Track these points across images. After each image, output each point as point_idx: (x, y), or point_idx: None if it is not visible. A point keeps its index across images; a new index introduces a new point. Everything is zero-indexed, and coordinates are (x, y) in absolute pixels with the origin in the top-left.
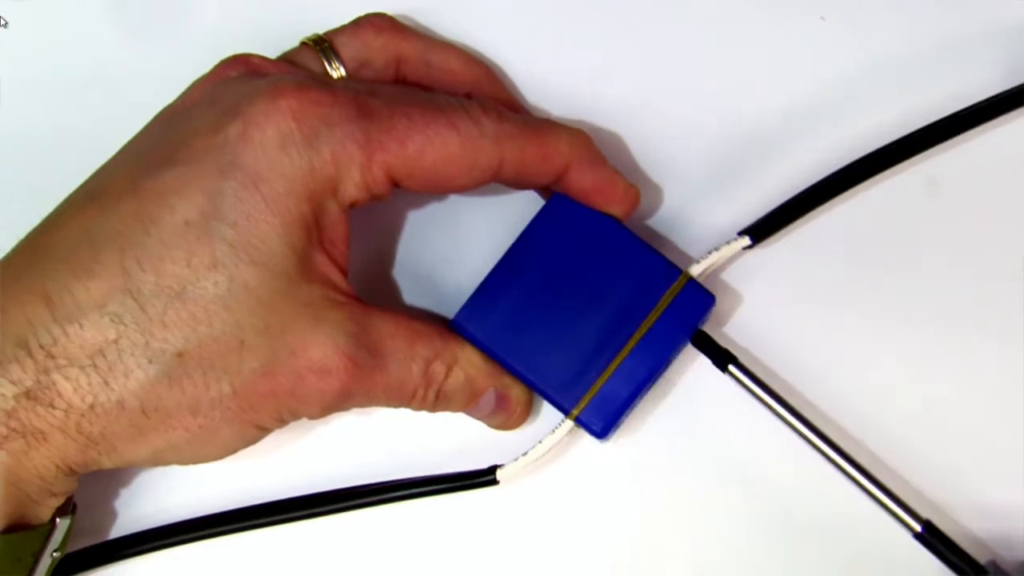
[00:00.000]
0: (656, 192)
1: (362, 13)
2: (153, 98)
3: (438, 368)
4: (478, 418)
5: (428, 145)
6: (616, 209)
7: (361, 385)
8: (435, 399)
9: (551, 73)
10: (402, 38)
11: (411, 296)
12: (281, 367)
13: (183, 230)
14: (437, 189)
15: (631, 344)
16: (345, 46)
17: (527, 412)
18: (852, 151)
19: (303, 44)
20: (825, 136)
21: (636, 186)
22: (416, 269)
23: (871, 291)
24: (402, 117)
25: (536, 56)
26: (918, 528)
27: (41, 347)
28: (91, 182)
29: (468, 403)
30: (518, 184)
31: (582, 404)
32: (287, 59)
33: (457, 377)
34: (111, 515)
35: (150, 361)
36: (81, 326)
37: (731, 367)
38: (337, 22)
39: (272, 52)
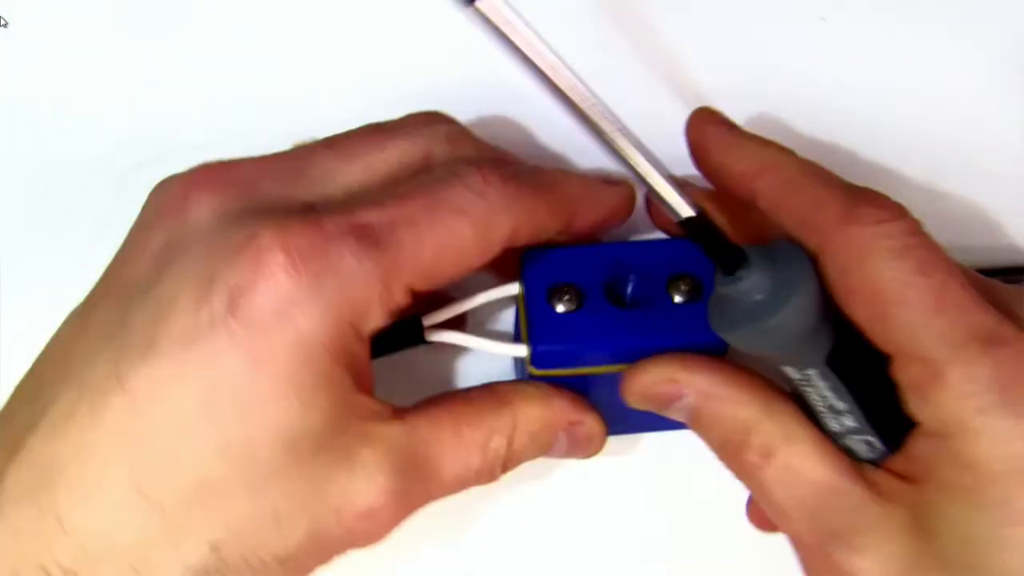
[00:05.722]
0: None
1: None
2: (153, 98)
3: (497, 443)
4: (556, 458)
5: (442, 248)
6: (615, 221)
7: (415, 503)
8: (502, 469)
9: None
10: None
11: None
12: (328, 529)
13: (186, 425)
14: (458, 278)
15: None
16: None
17: (603, 439)
18: (850, 153)
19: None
20: (820, 137)
21: (626, 186)
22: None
23: None
24: (406, 227)
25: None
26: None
27: (65, 572)
28: (68, 366)
29: (540, 455)
30: (526, 242)
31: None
32: None
33: (521, 441)
34: None
35: (185, 566)
36: (104, 546)
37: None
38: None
39: None
